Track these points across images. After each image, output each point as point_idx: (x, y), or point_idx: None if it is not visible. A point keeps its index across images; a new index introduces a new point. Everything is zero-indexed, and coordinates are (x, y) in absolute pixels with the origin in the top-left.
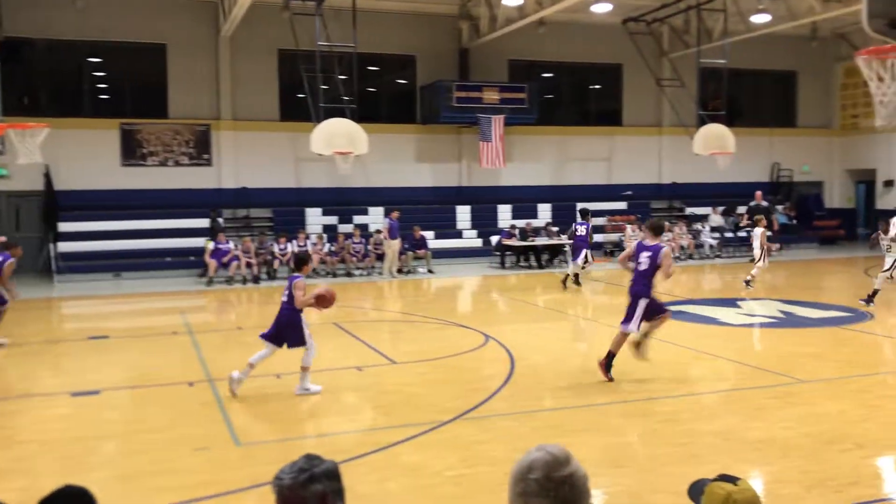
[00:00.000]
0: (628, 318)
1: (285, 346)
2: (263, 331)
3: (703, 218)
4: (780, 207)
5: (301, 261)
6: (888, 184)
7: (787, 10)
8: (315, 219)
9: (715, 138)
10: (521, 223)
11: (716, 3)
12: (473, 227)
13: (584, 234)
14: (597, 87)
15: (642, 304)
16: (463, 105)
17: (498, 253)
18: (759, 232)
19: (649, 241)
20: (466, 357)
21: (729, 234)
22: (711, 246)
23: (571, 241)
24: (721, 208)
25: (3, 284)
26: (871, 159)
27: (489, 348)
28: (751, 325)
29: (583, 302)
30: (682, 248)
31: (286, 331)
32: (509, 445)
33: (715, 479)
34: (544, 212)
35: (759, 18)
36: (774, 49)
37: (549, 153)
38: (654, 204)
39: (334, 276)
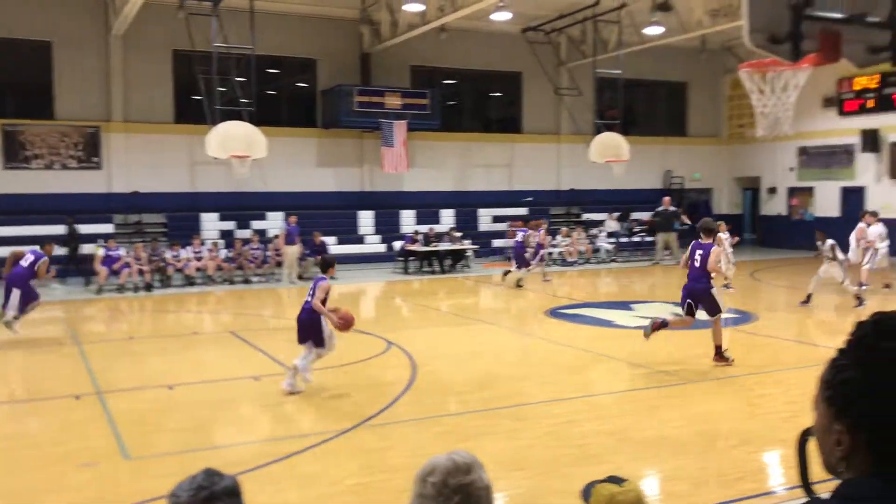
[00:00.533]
0: (714, 310)
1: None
2: (159, 341)
3: (599, 223)
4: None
5: (327, 263)
6: (772, 191)
7: (678, 22)
8: (211, 224)
9: (610, 146)
10: (424, 228)
11: (611, 15)
12: (376, 233)
13: (521, 239)
14: (497, 94)
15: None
16: (365, 110)
17: (401, 258)
18: (724, 237)
19: (703, 241)
20: (368, 364)
21: (624, 239)
22: (607, 250)
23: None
24: (616, 214)
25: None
26: (756, 167)
27: (391, 354)
28: (644, 328)
29: (486, 306)
30: (579, 252)
31: (308, 331)
32: (410, 452)
33: (603, 481)
34: (447, 217)
35: (652, 30)
36: (667, 60)
37: (452, 159)
38: (554, 210)
39: (231, 283)
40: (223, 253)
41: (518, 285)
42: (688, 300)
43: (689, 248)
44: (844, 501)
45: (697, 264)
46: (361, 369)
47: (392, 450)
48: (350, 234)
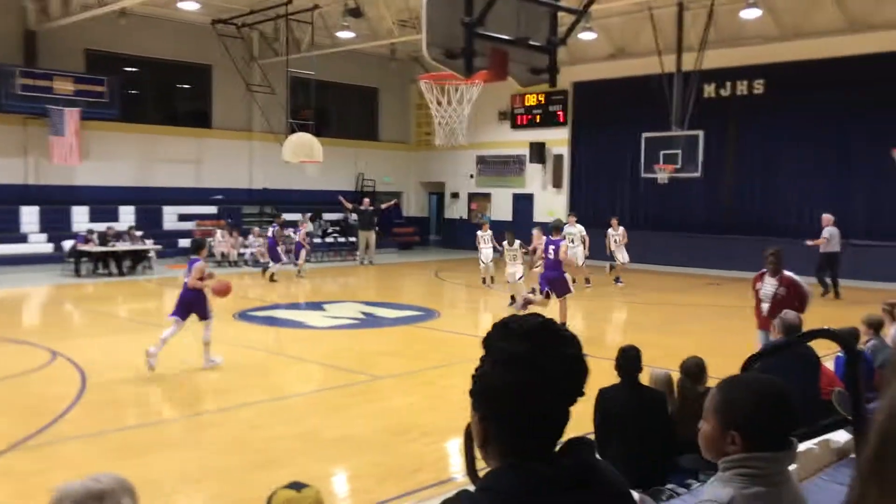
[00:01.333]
0: (565, 291)
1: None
2: None
3: (293, 224)
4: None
5: (199, 245)
6: (454, 196)
7: (369, 29)
8: None
9: (304, 146)
10: (100, 227)
11: (304, 16)
12: (42, 231)
13: (272, 235)
14: (185, 86)
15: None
16: (29, 94)
17: (72, 259)
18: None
19: (554, 237)
20: (26, 378)
21: (317, 240)
22: None
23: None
24: (309, 214)
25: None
26: (441, 173)
27: (57, 366)
28: (335, 328)
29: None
30: None
31: (193, 306)
32: (73, 472)
33: (285, 487)
34: (127, 215)
35: (344, 35)
36: (359, 65)
37: (133, 152)
38: (246, 209)
39: None
40: None
41: (272, 280)
42: (546, 288)
43: (544, 244)
44: (482, 492)
45: (552, 257)
46: (18, 385)
47: (52, 472)
48: (10, 231)
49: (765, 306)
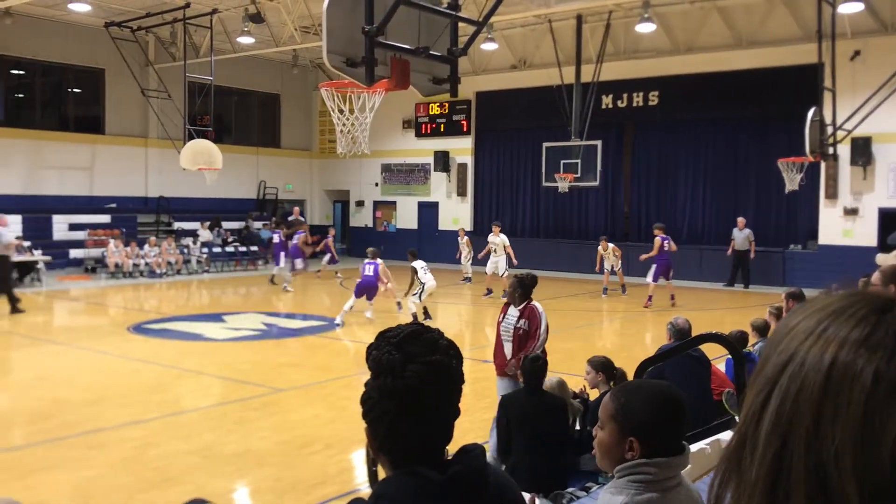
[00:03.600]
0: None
1: None
2: None
3: (191, 233)
4: (260, 223)
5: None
6: (359, 204)
7: (271, 35)
8: None
9: (202, 153)
10: None
11: (202, 20)
12: None
13: (279, 240)
14: (77, 90)
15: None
16: None
17: None
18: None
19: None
20: None
21: (217, 249)
22: (199, 261)
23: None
24: (208, 223)
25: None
26: (345, 181)
27: None
28: (235, 339)
29: (60, 324)
30: (169, 263)
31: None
32: None
33: None
34: (13, 224)
35: (245, 40)
36: (260, 71)
37: (19, 159)
38: (141, 218)
39: None
40: None
41: (274, 283)
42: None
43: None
44: (374, 500)
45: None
46: None
47: None
48: None
49: (507, 346)
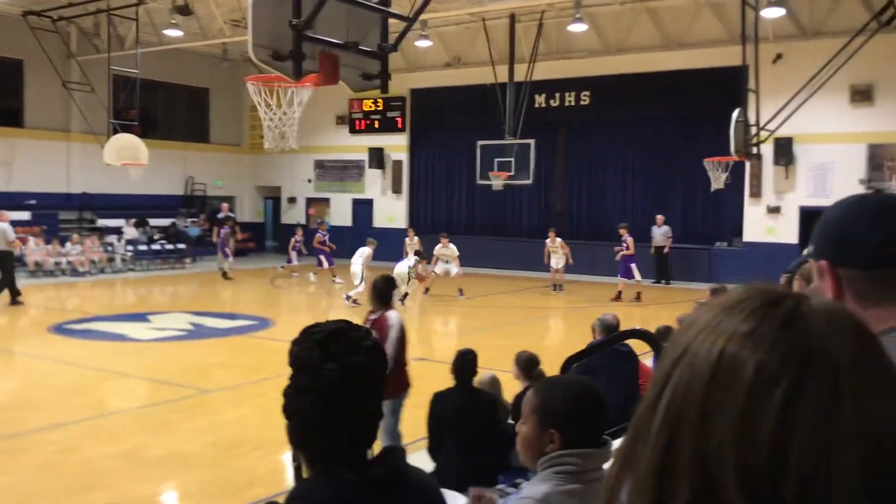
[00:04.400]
0: None
1: None
2: None
3: (116, 230)
4: (189, 221)
5: None
6: (291, 200)
7: (199, 28)
8: None
9: (128, 149)
10: None
11: (128, 11)
12: None
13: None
14: None
15: None
16: None
17: None
18: (367, 252)
19: None
20: None
21: (143, 247)
22: (124, 259)
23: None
24: (134, 220)
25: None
26: (277, 177)
27: None
28: (161, 339)
29: None
30: (92, 262)
31: None
32: None
33: None
34: None
35: (172, 33)
36: (188, 65)
37: None
38: (63, 215)
39: None
40: None
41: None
42: None
43: None
44: (291, 501)
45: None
46: None
47: None
48: None
49: None
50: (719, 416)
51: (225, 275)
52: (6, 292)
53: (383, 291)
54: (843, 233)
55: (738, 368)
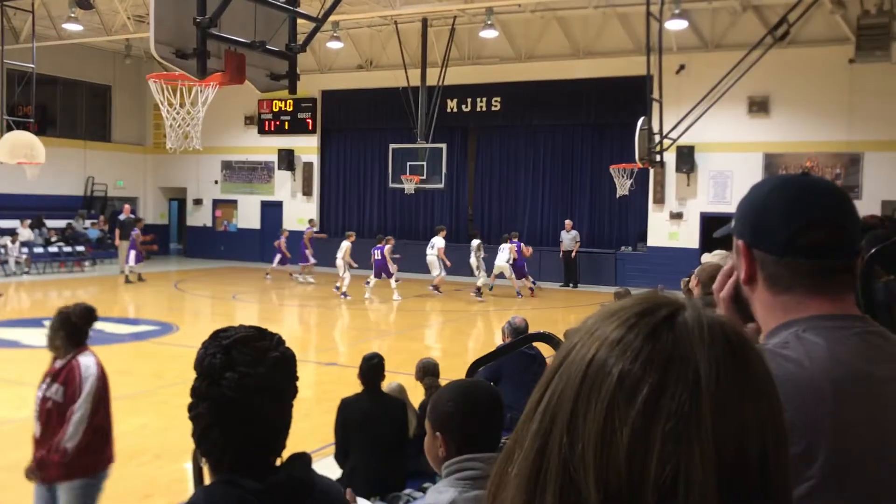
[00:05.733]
0: None
1: None
2: None
3: (10, 232)
4: (89, 222)
5: None
6: (197, 202)
7: (101, 23)
8: None
9: (23, 146)
10: None
11: (24, 3)
12: None
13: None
14: None
15: None
16: None
17: None
18: (346, 246)
19: None
20: None
21: (39, 249)
22: (18, 262)
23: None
24: (29, 221)
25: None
26: (182, 178)
27: None
28: None
29: None
30: None
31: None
32: None
33: None
34: None
35: (71, 27)
36: (90, 61)
37: None
38: None
39: None
40: None
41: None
42: None
43: None
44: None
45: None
46: None
47: None
48: None
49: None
50: (584, 420)
51: (128, 279)
52: None
53: (76, 328)
54: (762, 215)
55: (604, 376)
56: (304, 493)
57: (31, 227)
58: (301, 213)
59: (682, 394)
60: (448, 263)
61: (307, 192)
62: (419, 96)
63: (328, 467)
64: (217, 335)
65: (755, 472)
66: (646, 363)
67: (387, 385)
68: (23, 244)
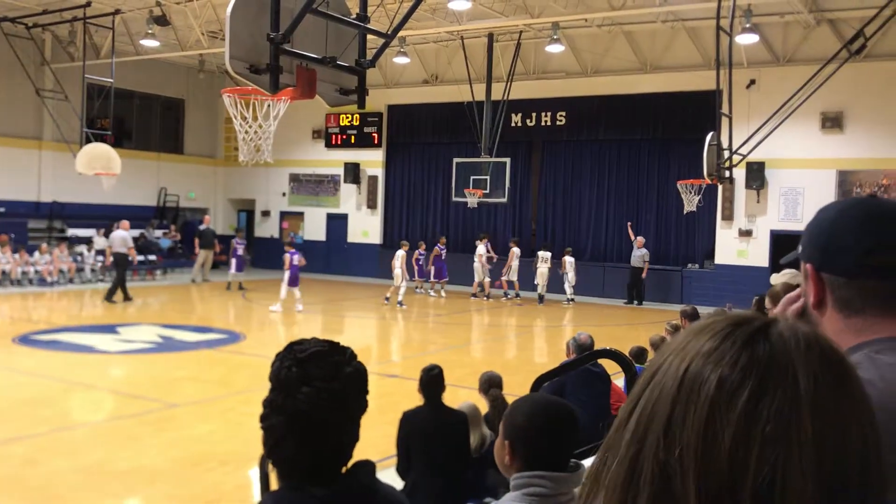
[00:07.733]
0: None
1: None
2: None
3: (86, 240)
4: (160, 232)
5: None
6: (265, 213)
7: (176, 38)
8: None
9: (100, 158)
10: None
11: (104, 20)
12: None
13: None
14: None
15: None
16: None
17: None
18: (401, 254)
19: None
20: None
21: None
22: (94, 270)
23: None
24: (104, 230)
25: None
26: (251, 190)
27: None
28: (128, 352)
29: None
30: (61, 272)
31: None
32: None
33: None
34: None
35: (149, 43)
36: (164, 75)
37: None
38: (33, 223)
39: None
40: None
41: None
42: None
43: None
44: None
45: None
46: None
47: None
48: None
49: None
50: (682, 428)
51: (240, 286)
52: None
53: None
54: (830, 238)
55: (702, 383)
56: (369, 499)
57: (106, 235)
58: (365, 225)
59: (782, 399)
60: (488, 267)
61: (372, 205)
62: (484, 111)
63: (389, 479)
64: (292, 348)
65: (856, 482)
66: (745, 369)
67: (462, 404)
68: (98, 252)
